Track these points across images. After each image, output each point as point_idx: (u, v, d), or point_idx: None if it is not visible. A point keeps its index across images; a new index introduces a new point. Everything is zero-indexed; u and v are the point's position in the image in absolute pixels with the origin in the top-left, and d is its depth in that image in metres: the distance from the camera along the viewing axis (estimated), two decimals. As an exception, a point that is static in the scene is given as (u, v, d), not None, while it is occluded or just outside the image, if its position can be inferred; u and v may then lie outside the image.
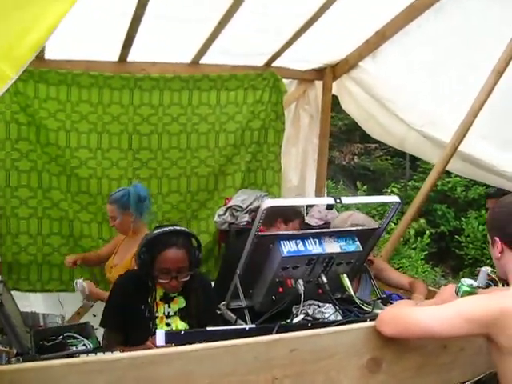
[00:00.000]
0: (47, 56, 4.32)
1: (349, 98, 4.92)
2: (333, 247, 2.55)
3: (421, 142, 4.31)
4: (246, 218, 4.42)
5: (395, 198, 2.60)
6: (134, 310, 2.83)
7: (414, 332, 2.03)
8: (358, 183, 9.03)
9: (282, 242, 2.46)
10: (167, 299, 2.88)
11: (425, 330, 1.99)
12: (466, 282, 2.40)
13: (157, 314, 2.84)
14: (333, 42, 4.63)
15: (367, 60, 4.58)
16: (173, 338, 2.13)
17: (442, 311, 2.01)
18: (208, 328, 2.25)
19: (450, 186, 9.08)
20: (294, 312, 2.54)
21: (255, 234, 2.41)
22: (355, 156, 10.03)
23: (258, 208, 4.48)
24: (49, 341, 3.43)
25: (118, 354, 1.87)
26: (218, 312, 2.63)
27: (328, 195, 7.69)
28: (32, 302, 4.61)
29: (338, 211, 4.66)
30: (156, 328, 2.76)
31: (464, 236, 9.05)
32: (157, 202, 4.66)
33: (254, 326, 2.27)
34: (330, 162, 10.27)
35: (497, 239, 2.09)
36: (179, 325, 2.81)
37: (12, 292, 4.36)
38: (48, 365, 1.76)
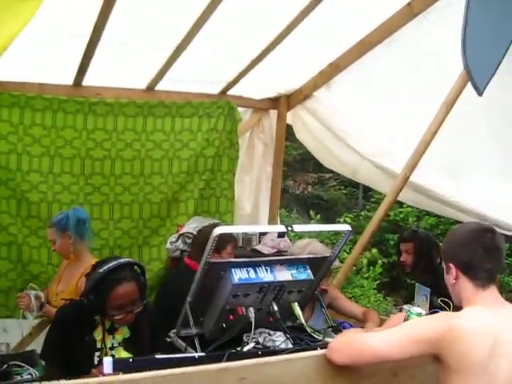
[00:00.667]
0: (0, 78, 4.26)
1: (303, 128, 4.99)
2: (284, 275, 2.56)
3: (373, 173, 4.40)
4: (197, 244, 4.40)
5: (346, 227, 2.63)
6: (76, 343, 2.74)
7: (366, 358, 2.06)
8: (311, 212, 9.12)
9: (233, 270, 2.46)
10: (112, 330, 2.82)
11: (376, 355, 2.03)
12: (415, 310, 2.46)
13: (102, 346, 2.77)
14: (288, 72, 4.71)
15: (321, 90, 4.66)
16: (121, 366, 2.09)
17: (391, 335, 2.05)
18: (157, 356, 2.21)
19: (402, 216, 9.26)
20: (245, 340, 2.53)
21: (206, 261, 2.41)
22: (309, 185, 10.14)
23: (192, 244, 4.50)
24: (-8, 369, 3.32)
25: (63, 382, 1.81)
26: (168, 340, 2.59)
27: (281, 223, 7.74)
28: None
29: (290, 240, 4.68)
30: (100, 359, 2.68)
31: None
32: (108, 228, 4.61)
33: (203, 354, 2.25)
34: (284, 191, 10.40)
35: (451, 266, 2.15)
36: (123, 355, 2.74)
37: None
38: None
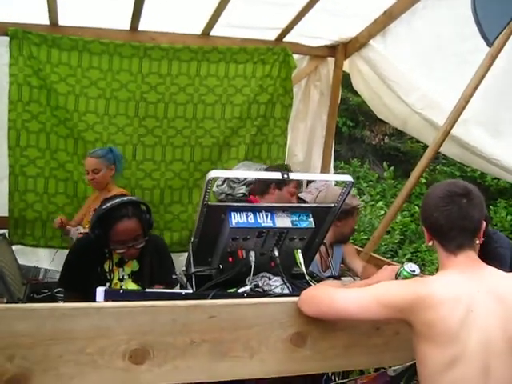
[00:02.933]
0: (60, 22, 4.47)
1: (358, 77, 4.90)
2: (284, 222, 2.59)
3: (421, 125, 4.27)
4: (243, 189, 4.47)
5: (347, 177, 2.62)
6: (89, 273, 2.95)
7: (329, 313, 2.07)
8: (384, 164, 8.95)
9: (232, 213, 2.53)
10: (121, 263, 3.01)
11: (341, 312, 2.03)
12: (409, 267, 2.41)
13: (112, 279, 2.97)
14: (344, 20, 4.60)
15: (377, 39, 4.55)
16: (112, 296, 2.24)
17: (360, 294, 2.04)
18: (146, 290, 2.35)
19: (479, 172, 8.88)
20: (247, 283, 2.62)
21: (204, 204, 2.49)
22: (386, 136, 9.92)
23: (255, 180, 4.60)
24: (40, 293, 3.64)
25: (38, 304, 1.99)
26: (174, 276, 2.73)
27: (344, 173, 7.70)
28: (40, 258, 4.85)
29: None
30: None
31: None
32: (160, 169, 4.79)
33: (190, 291, 2.37)
34: (360, 141, 10.31)
35: (424, 229, 2.11)
36: (130, 287, 2.93)
37: (18, 247, 4.63)
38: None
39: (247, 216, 2.55)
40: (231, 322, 2.06)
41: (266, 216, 2.59)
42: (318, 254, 3.12)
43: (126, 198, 2.95)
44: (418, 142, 9.82)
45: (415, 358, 2.03)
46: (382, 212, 7.57)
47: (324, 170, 5.19)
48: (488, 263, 2.06)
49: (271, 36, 4.89)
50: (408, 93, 4.23)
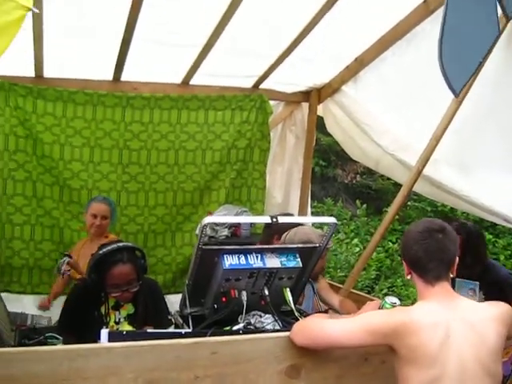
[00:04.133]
0: (46, 74, 4.63)
1: (332, 120, 5.14)
2: (273, 262, 2.76)
3: (393, 165, 4.51)
4: (225, 232, 4.66)
5: (331, 219, 2.82)
6: (86, 317, 3.07)
7: (320, 342, 2.25)
8: (357, 202, 9.20)
9: (225, 256, 2.69)
10: (117, 306, 3.14)
11: (330, 340, 2.21)
12: (390, 299, 2.63)
13: (108, 321, 3.09)
14: (317, 67, 4.85)
15: (349, 85, 4.80)
16: (115, 338, 2.36)
17: (348, 324, 2.23)
18: (148, 330, 2.48)
19: (449, 207, 9.16)
20: (239, 321, 2.76)
21: (199, 248, 2.65)
22: (357, 175, 10.21)
23: (237, 223, 4.77)
24: (31, 339, 3.69)
25: (55, 347, 2.11)
26: (169, 317, 2.86)
27: (323, 214, 7.91)
28: (24, 304, 4.87)
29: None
30: None
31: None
32: (143, 214, 4.93)
33: (189, 330, 2.50)
34: (332, 180, 10.58)
35: (403, 262, 2.32)
36: (126, 329, 3.04)
37: (4, 294, 4.67)
38: None
39: (239, 258, 2.71)
40: (232, 356, 2.20)
41: (257, 257, 2.75)
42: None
43: (121, 244, 3.11)
44: (389, 179, 10.13)
45: (397, 380, 2.20)
46: (358, 249, 7.79)
47: (302, 210, 5.38)
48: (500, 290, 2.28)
49: (248, 84, 5.12)
50: (380, 136, 4.47)
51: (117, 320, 3.10)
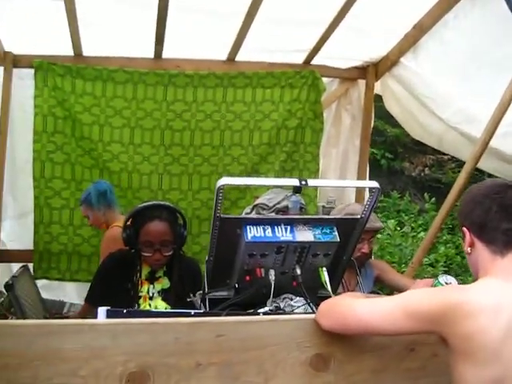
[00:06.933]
0: (85, 53, 4.44)
1: (391, 97, 4.71)
2: (305, 235, 2.36)
3: (458, 141, 4.04)
4: (273, 216, 4.30)
5: (373, 184, 2.39)
6: (118, 288, 2.84)
7: (350, 325, 1.82)
8: (425, 195, 8.62)
9: (247, 227, 2.32)
10: (152, 279, 2.90)
11: (361, 324, 1.78)
12: (444, 279, 2.18)
13: (141, 294, 2.85)
14: (373, 38, 4.44)
15: (408, 56, 4.36)
16: (115, 316, 2.05)
17: (384, 304, 1.79)
18: (153, 309, 2.16)
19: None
20: (267, 305, 2.39)
21: (216, 217, 2.30)
22: (426, 167, 9.60)
23: (285, 207, 4.39)
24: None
25: (25, 321, 1.82)
26: (188, 300, 2.53)
27: (390, 208, 7.43)
28: (67, 292, 4.75)
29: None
30: (139, 307, 2.77)
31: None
32: (187, 199, 4.66)
33: (201, 311, 2.16)
34: (400, 173, 10.01)
35: (465, 229, 1.84)
36: (159, 305, 2.79)
37: (43, 281, 4.51)
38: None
39: (264, 229, 2.34)
40: (242, 341, 1.83)
41: (285, 229, 2.36)
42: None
43: (162, 202, 2.97)
44: (460, 171, 9.50)
45: (452, 380, 1.75)
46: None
47: (359, 195, 4.95)
48: None
49: (299, 59, 4.75)
50: (443, 108, 4.03)
51: (150, 294, 2.86)
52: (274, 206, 4.34)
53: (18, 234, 4.61)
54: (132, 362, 1.75)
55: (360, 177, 4.99)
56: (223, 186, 2.24)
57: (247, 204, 4.67)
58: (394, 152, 9.61)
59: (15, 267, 4.38)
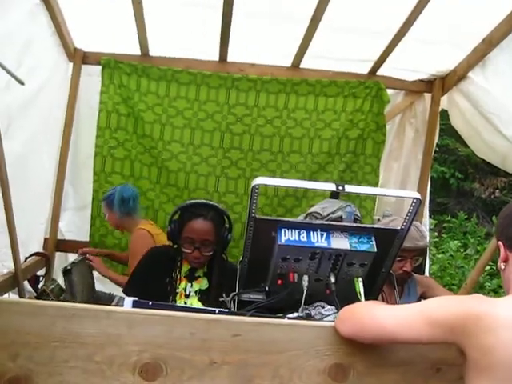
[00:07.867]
0: (151, 53, 4.54)
1: (457, 113, 4.54)
2: (341, 243, 2.31)
3: (524, 162, 3.85)
4: (325, 225, 4.24)
5: (415, 194, 2.32)
6: (156, 282, 2.86)
7: (370, 333, 1.76)
8: (494, 218, 8.29)
9: (282, 230, 2.30)
10: (191, 277, 2.91)
11: (382, 333, 1.72)
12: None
13: (178, 290, 2.86)
14: (440, 51, 4.31)
15: (476, 70, 4.19)
16: (140, 307, 2.06)
17: (404, 309, 1.73)
18: (178, 304, 2.16)
19: None
20: (299, 311, 2.36)
21: (251, 217, 2.28)
22: (497, 190, 9.22)
23: (339, 217, 4.32)
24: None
25: (47, 302, 1.86)
26: (220, 299, 2.52)
27: (456, 229, 7.20)
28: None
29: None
30: (174, 303, 2.78)
31: None
32: (242, 203, 4.64)
33: (226, 310, 2.14)
34: (469, 194, 9.67)
35: (500, 244, 1.76)
36: (195, 305, 2.79)
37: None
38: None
39: (299, 233, 2.31)
40: (259, 343, 1.80)
41: (321, 235, 2.33)
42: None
43: (211, 202, 2.97)
44: (535, 196, 9.10)
45: None
46: (488, 267, 6.93)
47: (419, 213, 4.80)
48: None
49: (364, 69, 4.67)
50: (507, 124, 3.83)
51: (187, 292, 2.87)
52: (328, 215, 4.26)
53: (76, 225, 4.74)
54: (146, 352, 1.76)
55: (421, 191, 4.83)
56: (258, 185, 2.22)
57: (302, 212, 4.64)
58: (464, 172, 9.31)
59: (71, 257, 4.51)
